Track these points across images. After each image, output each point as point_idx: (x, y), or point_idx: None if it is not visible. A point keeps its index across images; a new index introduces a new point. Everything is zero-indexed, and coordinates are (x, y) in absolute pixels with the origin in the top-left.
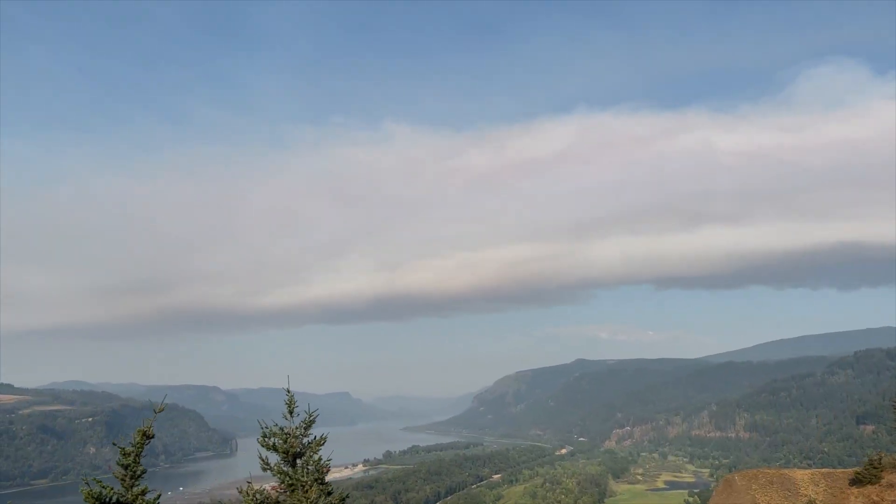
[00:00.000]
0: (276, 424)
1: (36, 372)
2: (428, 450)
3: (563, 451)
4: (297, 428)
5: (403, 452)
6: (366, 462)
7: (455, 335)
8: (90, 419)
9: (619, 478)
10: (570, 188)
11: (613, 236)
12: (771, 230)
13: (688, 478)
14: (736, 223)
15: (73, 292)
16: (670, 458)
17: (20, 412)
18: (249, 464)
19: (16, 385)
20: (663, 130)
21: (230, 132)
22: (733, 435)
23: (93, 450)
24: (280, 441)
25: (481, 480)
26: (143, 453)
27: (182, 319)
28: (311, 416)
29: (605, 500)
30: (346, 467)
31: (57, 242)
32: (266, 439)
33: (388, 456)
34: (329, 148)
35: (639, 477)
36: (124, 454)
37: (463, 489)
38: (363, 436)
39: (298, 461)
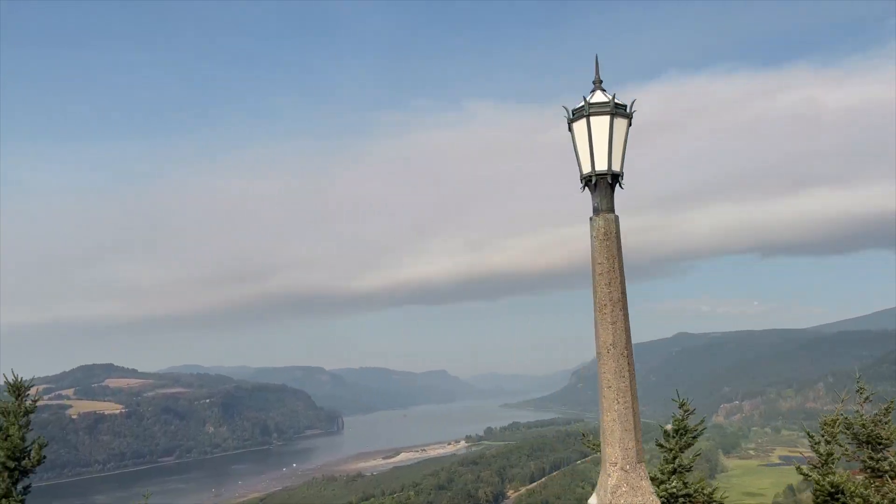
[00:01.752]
0: None
1: (155, 357)
2: (528, 426)
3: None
4: None
5: (504, 429)
6: (468, 438)
7: (548, 312)
8: (207, 400)
9: (729, 453)
10: (661, 157)
11: (711, 205)
12: (883, 190)
13: (805, 452)
14: (845, 184)
15: (181, 282)
16: (784, 432)
17: (145, 395)
18: (356, 441)
19: (139, 370)
20: (762, 90)
21: (316, 123)
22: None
23: (211, 429)
24: None
25: (586, 457)
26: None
27: (282, 305)
28: None
29: (717, 475)
30: (449, 443)
31: (164, 236)
32: None
33: (489, 432)
34: (412, 131)
35: (751, 452)
36: None
37: (568, 465)
38: (462, 412)
39: None
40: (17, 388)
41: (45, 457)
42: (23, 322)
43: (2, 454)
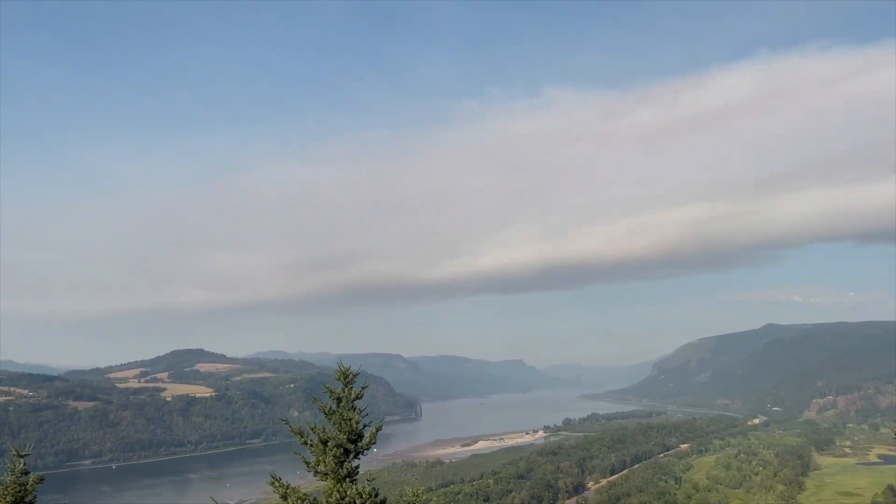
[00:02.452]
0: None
1: (242, 343)
2: (608, 418)
3: (756, 421)
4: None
5: (583, 420)
6: (546, 428)
7: (628, 303)
8: (291, 385)
9: (823, 450)
10: (750, 140)
11: (803, 190)
12: None
13: None
14: None
15: (266, 271)
16: (883, 429)
17: (233, 379)
18: (434, 428)
19: (227, 355)
20: (859, 68)
21: (395, 113)
22: None
23: (296, 413)
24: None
25: (668, 450)
26: None
27: (362, 293)
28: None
29: (809, 474)
30: (527, 433)
31: (251, 227)
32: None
33: (568, 423)
34: (489, 118)
35: (846, 450)
36: None
37: (649, 458)
38: (539, 403)
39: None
40: (346, 375)
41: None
42: (120, 308)
43: (343, 437)
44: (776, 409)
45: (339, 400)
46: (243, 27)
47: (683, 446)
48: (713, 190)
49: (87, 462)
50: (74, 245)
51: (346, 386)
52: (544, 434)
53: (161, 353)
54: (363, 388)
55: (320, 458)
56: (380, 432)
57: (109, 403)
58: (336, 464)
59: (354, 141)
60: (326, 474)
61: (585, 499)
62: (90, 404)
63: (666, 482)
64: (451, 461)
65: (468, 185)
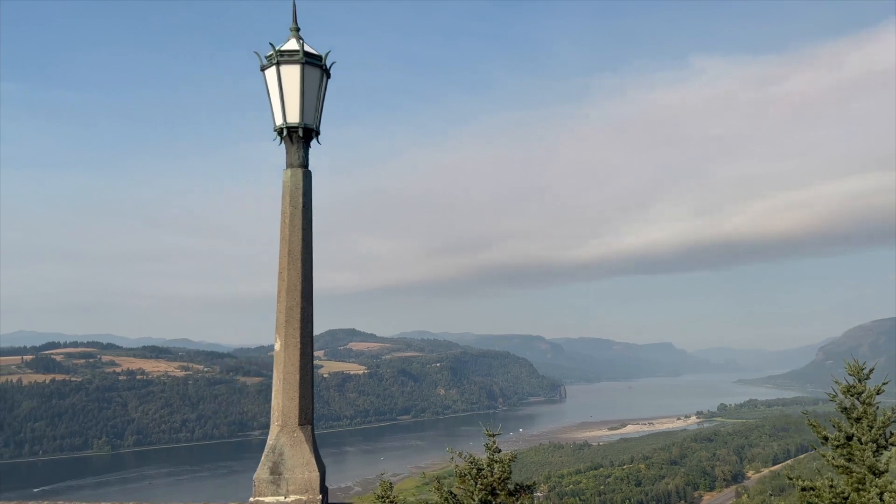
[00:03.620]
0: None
1: (390, 322)
2: (768, 404)
3: None
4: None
5: (740, 406)
6: (699, 414)
7: (784, 282)
8: (437, 364)
9: None
10: None
11: None
12: None
13: None
14: None
15: (410, 254)
16: None
17: (383, 357)
18: (579, 410)
19: (377, 334)
20: None
21: (529, 94)
22: None
23: (442, 391)
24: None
25: None
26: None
27: (500, 275)
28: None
29: None
30: (678, 418)
31: (392, 212)
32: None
33: (723, 409)
34: (630, 92)
35: None
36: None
37: (817, 448)
38: (690, 387)
39: None
40: (860, 370)
41: None
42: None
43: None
44: None
45: (857, 395)
46: (374, 15)
47: None
48: (879, 159)
49: (257, 433)
50: (238, 232)
51: (861, 381)
52: (697, 419)
53: (318, 333)
54: (885, 383)
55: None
56: (525, 412)
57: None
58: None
59: (489, 124)
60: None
61: (745, 488)
62: (257, 380)
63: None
64: (598, 444)
65: (609, 162)
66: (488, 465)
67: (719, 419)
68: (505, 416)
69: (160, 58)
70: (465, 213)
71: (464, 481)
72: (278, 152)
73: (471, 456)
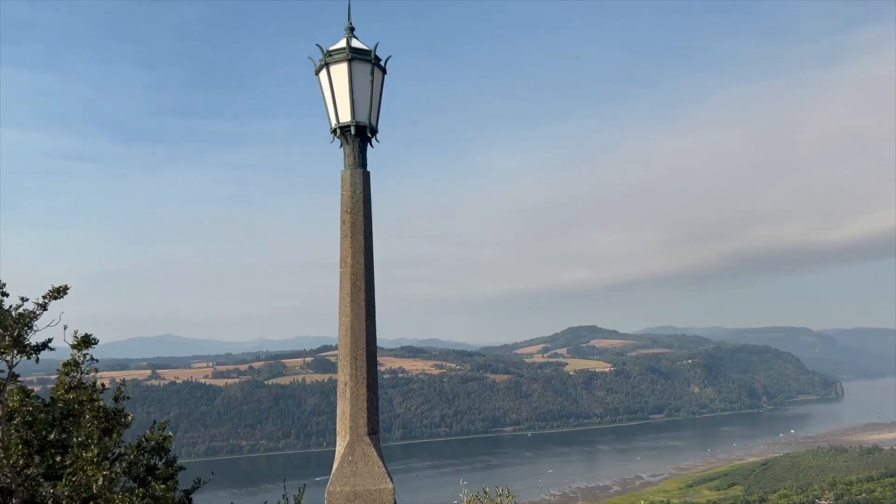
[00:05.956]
0: None
1: (631, 318)
2: None
3: None
4: None
5: None
6: None
7: None
8: (689, 361)
9: None
10: None
11: None
12: None
13: None
14: None
15: (645, 246)
16: None
17: (628, 354)
18: (861, 410)
19: (619, 331)
20: None
21: (768, 62)
22: None
23: (696, 389)
24: None
25: None
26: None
27: (751, 262)
28: None
29: None
30: None
31: (618, 204)
32: None
33: None
34: (891, 47)
35: None
36: None
37: None
38: None
39: None
40: None
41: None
42: (517, 290)
43: None
44: None
45: None
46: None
47: None
48: None
49: (508, 429)
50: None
51: None
52: None
53: (558, 330)
54: None
55: None
56: (793, 412)
57: (521, 377)
58: None
59: (724, 101)
60: None
61: None
62: (505, 377)
63: None
64: (893, 448)
65: (871, 128)
66: None
67: None
68: (771, 416)
69: None
70: (704, 198)
71: None
72: (496, 162)
73: None
